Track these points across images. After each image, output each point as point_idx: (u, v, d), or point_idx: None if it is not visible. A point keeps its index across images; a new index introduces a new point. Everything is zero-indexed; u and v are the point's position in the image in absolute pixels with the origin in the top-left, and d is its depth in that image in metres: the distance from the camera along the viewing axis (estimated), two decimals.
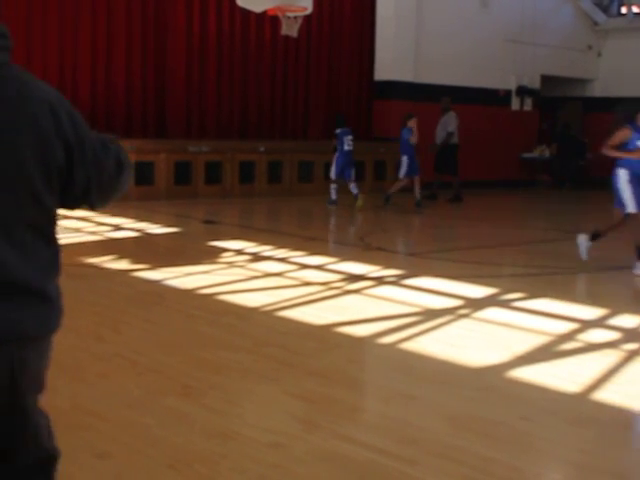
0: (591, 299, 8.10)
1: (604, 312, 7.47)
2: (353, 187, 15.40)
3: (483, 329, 6.81)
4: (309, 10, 14.84)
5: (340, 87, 19.31)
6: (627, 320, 7.23)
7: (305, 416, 4.69)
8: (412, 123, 15.34)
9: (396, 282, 8.59)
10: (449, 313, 7.23)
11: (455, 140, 17.33)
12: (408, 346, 6.15)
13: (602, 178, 18.12)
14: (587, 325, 6.99)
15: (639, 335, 6.78)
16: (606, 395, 5.23)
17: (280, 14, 14.81)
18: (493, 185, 20.10)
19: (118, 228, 11.92)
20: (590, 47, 23.85)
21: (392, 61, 19.24)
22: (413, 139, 15.21)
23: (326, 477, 3.92)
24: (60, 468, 2.69)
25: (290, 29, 15.06)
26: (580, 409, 5.04)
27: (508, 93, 21.70)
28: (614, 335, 6.72)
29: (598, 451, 4.46)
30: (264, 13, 15.20)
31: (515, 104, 21.92)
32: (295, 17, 14.99)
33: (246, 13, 16.12)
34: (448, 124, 17.24)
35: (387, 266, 9.38)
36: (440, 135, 17.46)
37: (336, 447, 4.23)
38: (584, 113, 24.08)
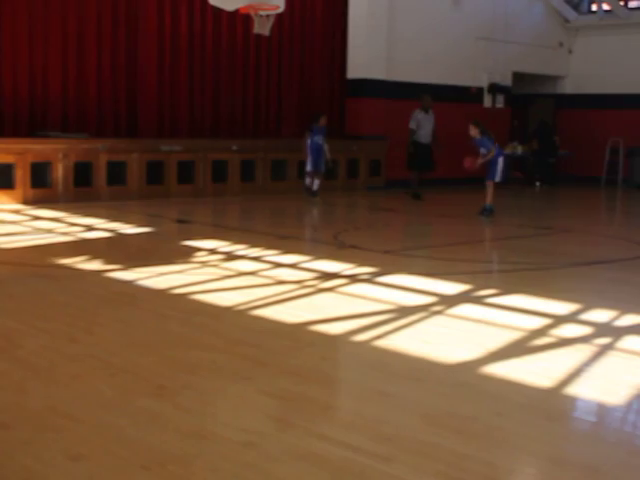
0: (564, 294, 8.14)
1: (577, 307, 7.52)
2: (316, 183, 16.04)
3: (457, 326, 6.84)
4: (281, 8, 14.82)
5: (313, 85, 19.31)
6: (599, 315, 7.28)
7: (279, 415, 4.68)
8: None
9: (370, 280, 8.59)
10: (423, 310, 7.24)
11: (419, 138, 17.17)
12: (382, 343, 6.15)
13: (573, 175, 18.25)
14: (560, 320, 7.03)
15: (611, 330, 6.83)
16: (579, 390, 5.27)
17: (252, 13, 14.76)
18: (466, 182, 20.16)
19: (90, 228, 11.85)
20: (561, 44, 24.01)
21: (364, 59, 19.27)
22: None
23: (300, 476, 3.91)
24: (34, 470, 2.67)
25: (262, 28, 15.03)
26: (553, 404, 5.07)
27: (480, 90, 21.78)
28: (586, 330, 6.76)
29: (571, 445, 4.48)
30: (236, 12, 15.17)
31: (487, 101, 22.01)
32: (267, 15, 14.96)
33: (218, 12, 16.08)
34: (413, 122, 17.12)
35: (361, 264, 9.38)
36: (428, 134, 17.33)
37: (310, 445, 4.22)
38: (555, 110, 24.23)
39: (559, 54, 24.04)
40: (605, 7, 23.50)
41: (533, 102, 24.56)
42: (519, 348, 6.14)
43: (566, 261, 10.36)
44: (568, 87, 24.32)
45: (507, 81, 22.45)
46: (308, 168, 16.21)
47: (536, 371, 5.56)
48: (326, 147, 16.18)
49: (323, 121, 16.13)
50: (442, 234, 12.85)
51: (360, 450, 4.18)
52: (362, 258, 9.84)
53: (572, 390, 5.25)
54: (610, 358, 6.01)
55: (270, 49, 18.45)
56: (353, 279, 8.61)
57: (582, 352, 6.06)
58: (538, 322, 6.92)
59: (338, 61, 19.69)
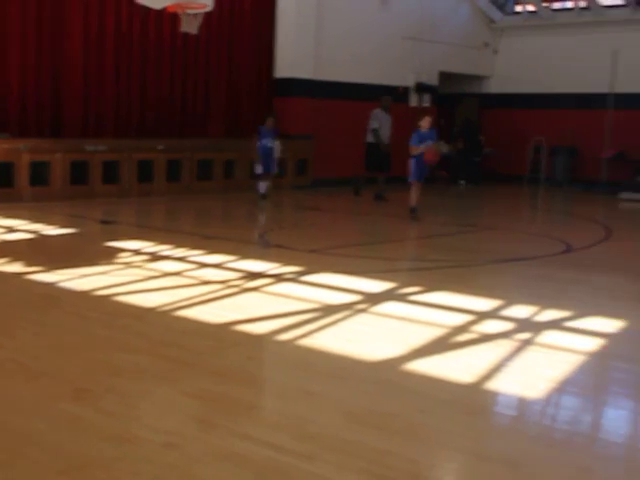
0: (486, 291, 8.26)
1: (498, 303, 7.65)
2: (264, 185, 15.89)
3: (381, 324, 6.89)
4: (209, 7, 14.73)
5: (240, 85, 19.23)
6: (520, 310, 7.41)
7: (202, 415, 4.66)
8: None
9: (295, 279, 8.60)
10: (347, 308, 7.28)
11: (371, 139, 17.20)
12: (306, 342, 6.17)
13: (497, 174, 18.48)
14: (482, 316, 7.14)
15: (531, 325, 6.95)
16: (500, 384, 5.35)
17: (179, 11, 14.65)
18: (392, 181, 20.31)
19: (11, 230, 11.63)
20: (487, 44, 24.35)
21: (292, 58, 19.28)
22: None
23: (223, 476, 3.90)
24: None
25: (190, 26, 14.92)
26: (475, 399, 5.14)
27: (407, 90, 21.95)
28: (507, 325, 6.88)
29: (493, 440, 4.56)
30: (163, 10, 15.03)
31: (413, 101, 22.19)
32: (195, 14, 14.85)
33: (145, 10, 15.90)
34: (375, 122, 17.10)
35: (286, 263, 9.39)
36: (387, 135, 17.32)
37: (233, 446, 4.21)
38: (480, 109, 24.56)
39: (484, 54, 24.37)
40: (529, 8, 23.89)
41: (459, 101, 24.86)
42: (441, 345, 6.22)
43: (489, 258, 10.51)
44: (493, 87, 24.67)
45: (433, 81, 22.67)
46: (258, 171, 15.97)
47: (458, 367, 5.63)
48: (278, 148, 15.98)
49: (270, 123, 15.92)
50: (367, 232, 12.92)
51: (283, 449, 4.19)
52: (287, 257, 9.85)
53: (493, 385, 5.34)
54: (530, 353, 6.12)
55: (197, 48, 18.30)
56: (278, 278, 8.61)
57: (503, 347, 6.17)
58: (460, 319, 7.01)
59: (266, 60, 19.64)
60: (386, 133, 17.11)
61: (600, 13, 22.54)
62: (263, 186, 15.96)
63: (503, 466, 4.14)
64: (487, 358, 5.86)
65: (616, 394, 5.51)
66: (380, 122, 16.95)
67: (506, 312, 7.38)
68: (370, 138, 17.08)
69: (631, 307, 8.10)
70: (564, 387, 5.38)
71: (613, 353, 6.32)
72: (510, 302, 7.72)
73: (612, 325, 7.06)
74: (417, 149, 13.50)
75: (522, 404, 5.13)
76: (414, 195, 13.92)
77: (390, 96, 17.72)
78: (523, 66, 23.62)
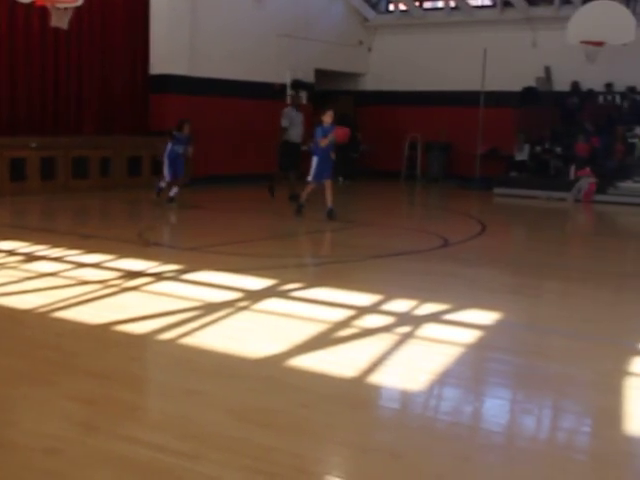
0: (366, 286, 8.36)
1: (378, 298, 7.75)
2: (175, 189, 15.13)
3: (263, 320, 6.89)
4: (79, 1, 14.40)
5: (114, 81, 18.89)
6: (400, 304, 7.53)
7: (84, 418, 4.57)
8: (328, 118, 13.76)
9: (175, 277, 8.52)
10: (229, 306, 7.26)
11: (290, 137, 16.96)
12: (189, 341, 6.12)
13: (374, 170, 18.72)
14: (362, 311, 7.22)
15: (411, 318, 7.07)
16: (382, 378, 5.43)
17: (49, 5, 14.27)
18: (270, 178, 20.36)
19: None
20: (361, 42, 24.63)
21: (167, 54, 19.07)
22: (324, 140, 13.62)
23: (107, 479, 3.84)
24: None
25: (60, 20, 14.54)
26: (358, 393, 5.20)
27: (283, 87, 21.99)
28: (388, 319, 6.98)
29: (376, 432, 4.62)
30: (32, 4, 14.61)
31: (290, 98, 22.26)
32: (65, 8, 14.49)
33: (12, 3, 15.44)
34: (286, 120, 16.88)
35: (166, 262, 9.29)
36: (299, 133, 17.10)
37: (117, 448, 4.15)
38: (356, 106, 24.82)
39: (359, 52, 24.66)
40: (402, 7, 24.29)
41: (335, 99, 25.05)
42: (323, 340, 6.26)
43: (368, 253, 10.64)
44: (369, 84, 24.98)
45: (310, 78, 22.79)
46: (167, 178, 15.09)
47: (340, 362, 5.68)
48: (189, 153, 15.26)
49: (187, 129, 15.14)
50: (248, 230, 12.88)
51: (168, 449, 4.14)
52: (167, 256, 9.76)
53: (375, 378, 5.41)
54: (410, 346, 6.23)
55: (69, 43, 17.87)
56: (158, 277, 8.51)
57: (384, 341, 6.25)
58: (341, 314, 7.07)
59: (140, 56, 19.35)
60: (297, 132, 16.91)
61: (470, 13, 23.10)
62: (172, 190, 14.98)
63: (387, 457, 4.20)
64: (369, 352, 5.93)
65: (494, 384, 5.66)
66: (291, 120, 16.79)
67: (386, 306, 7.49)
68: (285, 136, 16.87)
69: (507, 299, 8.33)
70: (444, 379, 5.50)
71: (491, 345, 6.49)
72: (390, 296, 7.83)
73: (489, 317, 7.25)
74: (324, 140, 13.43)
75: (404, 396, 5.22)
76: (305, 193, 13.80)
77: (301, 93, 17.57)
78: (398, 64, 24.00)
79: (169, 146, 14.98)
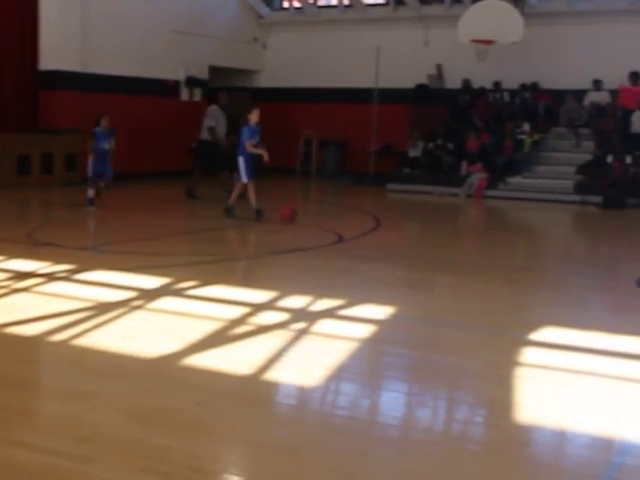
0: (261, 283, 8.36)
1: (274, 294, 7.75)
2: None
3: (156, 319, 6.81)
4: None
5: (2, 77, 18.39)
6: (295, 301, 7.54)
7: None
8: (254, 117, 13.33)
9: (67, 277, 8.35)
10: (122, 306, 7.14)
11: (206, 136, 16.63)
12: (82, 342, 6.00)
13: (270, 167, 18.74)
14: (258, 308, 7.21)
15: (307, 314, 7.09)
16: (278, 374, 5.43)
17: None
18: (165, 175, 20.18)
19: None
20: (256, 39, 24.60)
21: (57, 51, 18.67)
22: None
23: None
24: None
25: None
26: (254, 390, 5.19)
27: (177, 84, 21.81)
28: (283, 316, 6.98)
29: (273, 429, 4.61)
30: None
31: (184, 95, 22.10)
32: None
33: None
34: (212, 119, 16.56)
35: (57, 262, 9.09)
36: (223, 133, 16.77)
37: (7, 454, 4.04)
38: (252, 103, 24.73)
39: (254, 49, 24.62)
40: (296, 4, 24.34)
41: (230, 96, 24.92)
42: (219, 338, 6.23)
43: (263, 250, 10.63)
44: (264, 81, 24.96)
45: (204, 74, 22.65)
46: (90, 173, 14.16)
47: (236, 359, 5.66)
48: (112, 148, 14.42)
49: (105, 123, 14.26)
50: (141, 228, 12.71)
51: (60, 453, 4.06)
52: (59, 255, 9.54)
53: (272, 375, 5.41)
54: (306, 342, 6.25)
55: None
56: (50, 277, 8.32)
57: (280, 338, 6.25)
58: (237, 311, 7.05)
59: (29, 53, 18.88)
60: (222, 131, 16.66)
61: (363, 11, 23.31)
62: (91, 192, 14.14)
63: (284, 453, 4.21)
64: (265, 349, 5.92)
65: (390, 378, 5.72)
66: (217, 120, 16.52)
67: (282, 303, 7.49)
68: (206, 136, 16.53)
69: (402, 293, 8.44)
70: (340, 374, 5.53)
71: (386, 339, 6.56)
72: (285, 293, 7.84)
73: (384, 312, 7.32)
74: (253, 148, 13.05)
75: (300, 392, 5.23)
76: (252, 195, 13.34)
77: (226, 93, 17.35)
78: (293, 61, 24.06)
79: (96, 145, 14.16)
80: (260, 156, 13.19)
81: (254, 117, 13.24)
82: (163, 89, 21.18)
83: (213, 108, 16.67)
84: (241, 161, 13.21)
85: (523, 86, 21.21)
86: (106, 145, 14.18)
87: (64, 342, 6.03)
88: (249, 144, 13.03)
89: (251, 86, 25.04)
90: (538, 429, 4.69)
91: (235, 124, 23.00)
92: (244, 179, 13.30)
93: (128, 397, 4.94)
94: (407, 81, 22.14)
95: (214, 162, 16.41)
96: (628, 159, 18.34)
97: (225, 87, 24.27)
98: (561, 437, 4.61)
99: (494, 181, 19.28)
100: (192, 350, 5.84)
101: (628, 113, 19.33)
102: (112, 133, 14.41)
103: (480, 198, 18.93)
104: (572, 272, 10.12)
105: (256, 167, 13.49)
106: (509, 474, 4.10)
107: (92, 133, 14.32)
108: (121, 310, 7.00)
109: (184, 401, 4.89)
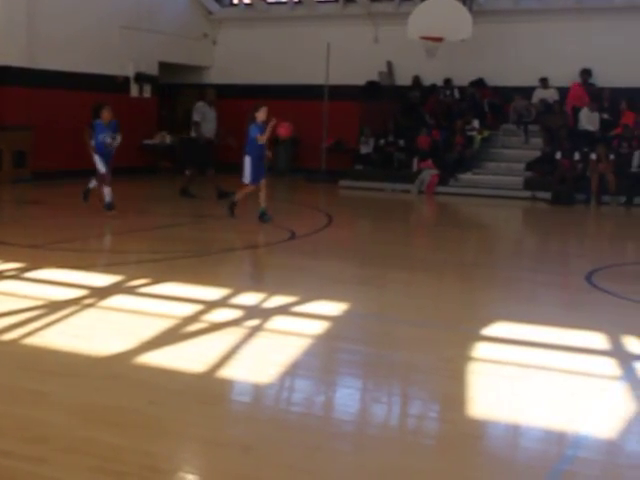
0: (214, 280, 8.32)
1: (227, 292, 7.72)
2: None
3: (109, 318, 6.75)
4: None
5: None
6: (249, 298, 7.53)
7: None
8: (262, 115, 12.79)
9: (17, 276, 8.25)
10: (74, 304, 7.06)
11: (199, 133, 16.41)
12: (32, 341, 5.93)
13: (223, 163, 18.64)
14: (211, 306, 7.18)
15: (260, 311, 7.08)
16: (232, 372, 5.41)
17: None
18: (116, 172, 19.96)
19: None
20: (206, 35, 24.46)
21: (3, 45, 18.38)
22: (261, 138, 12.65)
23: None
24: None
25: None
26: (208, 388, 5.16)
27: (126, 80, 21.62)
28: (237, 313, 6.96)
29: (227, 426, 4.60)
30: None
31: (134, 91, 21.92)
32: None
33: None
34: (197, 115, 16.31)
35: (7, 260, 8.97)
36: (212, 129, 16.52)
37: None
38: (201, 99, 24.60)
39: (204, 45, 24.48)
40: (246, 0, 24.25)
41: (180, 92, 24.79)
42: (172, 336, 6.19)
43: (217, 248, 10.59)
44: (214, 77, 24.82)
45: (153, 71, 22.47)
46: (102, 170, 13.01)
47: (190, 357, 5.63)
48: (117, 142, 13.30)
49: (107, 115, 13.03)
50: (91, 226, 12.58)
51: (11, 454, 4.01)
52: (7, 254, 9.41)
53: (225, 373, 5.39)
54: (260, 339, 6.24)
55: None
56: None
57: (233, 335, 6.23)
58: (190, 309, 7.01)
59: None
60: (210, 128, 16.41)
61: (313, 8, 23.31)
62: (108, 193, 12.99)
63: (238, 451, 4.19)
64: (218, 347, 5.89)
65: (344, 374, 5.72)
66: (203, 116, 16.30)
67: (235, 300, 7.47)
68: (193, 132, 16.35)
69: (355, 290, 8.46)
70: (294, 370, 5.52)
71: (339, 335, 6.57)
72: (239, 290, 7.82)
73: (338, 308, 7.33)
74: (263, 138, 12.55)
75: (254, 390, 5.21)
76: (241, 194, 13.13)
77: (213, 89, 17.16)
78: (243, 57, 23.96)
79: (96, 139, 12.97)
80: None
81: (261, 115, 12.72)
82: (112, 85, 20.97)
83: (200, 104, 16.58)
84: (247, 161, 12.72)
85: (472, 83, 21.38)
86: (108, 138, 13.01)
87: (14, 341, 5.95)
88: (260, 138, 12.51)
89: (201, 82, 24.89)
90: (491, 423, 4.73)
91: (185, 121, 22.97)
92: (246, 180, 12.85)
93: (80, 396, 4.89)
94: (358, 78, 22.18)
95: (202, 158, 16.20)
96: (576, 155, 18.57)
97: (175, 84, 24.19)
98: (514, 431, 4.65)
99: (445, 178, 19.42)
100: (145, 348, 5.80)
101: (576, 110, 19.60)
102: (116, 126, 13.28)
103: (431, 194, 19.05)
104: (523, 268, 10.23)
105: (262, 169, 12.92)
106: (463, 468, 4.12)
107: (91, 125, 13.10)
108: (73, 308, 6.92)
109: (137, 400, 4.85)
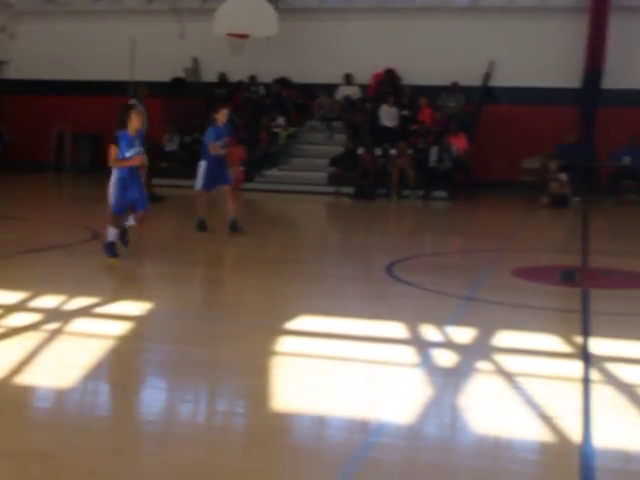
0: (11, 283, 7.99)
1: (25, 295, 7.43)
2: None
3: None
4: None
5: None
6: (48, 301, 7.29)
7: None
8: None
9: None
10: None
11: None
12: None
13: (20, 162, 18.01)
14: (8, 310, 6.89)
15: (60, 314, 6.87)
16: (31, 378, 5.22)
17: None
18: None
19: None
20: (4, 29, 23.53)
21: None
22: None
23: None
24: None
25: None
26: (5, 395, 4.95)
27: None
28: (35, 317, 6.73)
29: (26, 434, 4.41)
30: None
31: None
32: None
33: None
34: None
35: None
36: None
37: None
38: (0, 95, 23.69)
39: (1, 39, 23.54)
40: None
41: None
42: None
43: (15, 249, 10.19)
44: (13, 72, 23.94)
45: None
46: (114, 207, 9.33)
47: None
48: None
49: (138, 120, 9.90)
50: None
51: None
52: None
53: (24, 379, 5.19)
54: (60, 343, 6.05)
55: None
56: None
57: (32, 340, 6.00)
58: None
59: None
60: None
61: (116, 2, 22.88)
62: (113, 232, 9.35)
63: (38, 459, 4.04)
64: (16, 352, 5.66)
65: (147, 374, 5.65)
66: None
67: (33, 303, 7.21)
68: None
69: (159, 289, 8.41)
70: (96, 373, 5.40)
71: (142, 335, 6.50)
72: (37, 293, 7.54)
73: (141, 308, 7.23)
74: (216, 149, 11.64)
75: (54, 395, 5.05)
76: (202, 204, 12.19)
77: (145, 86, 16.16)
78: (45, 52, 23.16)
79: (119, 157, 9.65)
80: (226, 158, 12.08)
81: (222, 117, 11.96)
82: None
83: (131, 102, 15.77)
84: (202, 165, 11.91)
85: (279, 80, 21.59)
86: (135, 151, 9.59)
87: None
88: (213, 147, 11.68)
89: None
90: (297, 416, 4.79)
91: None
92: (198, 186, 12.03)
93: None
94: (163, 74, 21.96)
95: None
96: (377, 151, 19.11)
97: None
98: (319, 422, 4.73)
99: (251, 174, 19.49)
100: None
101: (377, 107, 20.17)
102: (142, 138, 9.95)
103: (238, 191, 19.06)
104: (328, 262, 10.43)
105: (220, 175, 11.94)
106: (269, 462, 4.14)
107: (117, 136, 9.73)
108: None
109: None
